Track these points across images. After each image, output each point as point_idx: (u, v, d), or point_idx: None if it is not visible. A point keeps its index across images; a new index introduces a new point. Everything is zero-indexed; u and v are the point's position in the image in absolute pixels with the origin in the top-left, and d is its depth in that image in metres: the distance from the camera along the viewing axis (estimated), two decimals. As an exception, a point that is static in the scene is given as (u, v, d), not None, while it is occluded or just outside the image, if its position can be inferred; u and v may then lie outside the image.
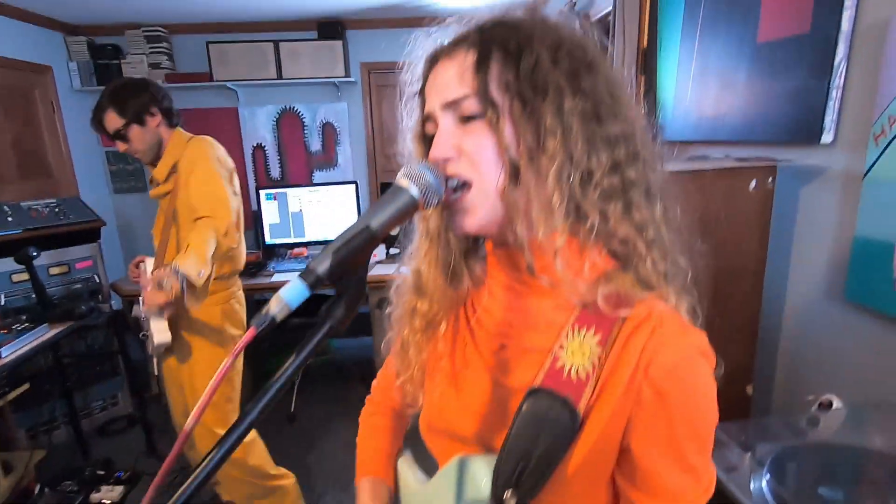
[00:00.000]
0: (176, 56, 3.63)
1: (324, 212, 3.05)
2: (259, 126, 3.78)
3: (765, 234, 1.20)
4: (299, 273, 0.41)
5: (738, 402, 1.31)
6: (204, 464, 0.38)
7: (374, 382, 0.77)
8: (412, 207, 0.46)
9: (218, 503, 1.91)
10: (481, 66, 0.47)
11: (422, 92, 0.54)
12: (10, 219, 2.32)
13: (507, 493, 0.45)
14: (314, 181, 3.88)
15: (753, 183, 1.16)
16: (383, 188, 3.75)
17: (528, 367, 0.49)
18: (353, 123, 3.84)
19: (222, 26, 3.56)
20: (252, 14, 3.37)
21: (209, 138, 1.71)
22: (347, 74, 3.59)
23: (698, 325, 0.48)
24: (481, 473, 0.48)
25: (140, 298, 1.63)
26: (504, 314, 0.54)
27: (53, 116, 3.33)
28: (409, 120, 0.58)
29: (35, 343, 1.86)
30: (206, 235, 1.52)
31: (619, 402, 0.44)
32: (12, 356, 1.72)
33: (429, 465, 0.58)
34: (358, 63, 3.74)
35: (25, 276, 2.23)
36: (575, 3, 2.57)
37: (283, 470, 1.92)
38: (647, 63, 1.91)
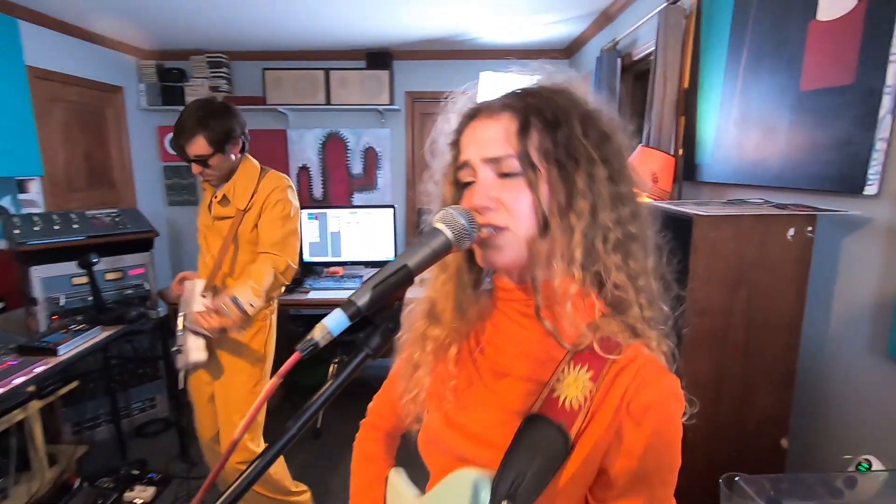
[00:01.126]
0: (234, 80, 3.87)
1: (361, 233, 3.14)
2: (306, 148, 3.96)
3: (802, 284, 1.18)
4: (341, 305, 0.45)
5: (772, 455, 1.26)
6: (245, 474, 0.43)
7: (371, 406, 0.81)
8: (447, 249, 0.50)
9: None
10: (523, 133, 0.53)
11: (456, 142, 0.60)
12: (75, 226, 2.50)
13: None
14: (353, 202, 4.01)
15: (791, 231, 1.15)
16: (420, 213, 3.84)
17: (527, 396, 0.55)
18: (395, 149, 3.97)
19: (278, 54, 3.79)
20: (306, 44, 3.58)
21: (285, 177, 1.81)
22: (392, 102, 3.74)
23: (674, 368, 0.55)
24: (481, 486, 0.52)
25: (182, 314, 1.72)
26: (508, 347, 0.60)
27: (121, 133, 3.60)
28: (435, 163, 0.65)
29: (89, 343, 1.98)
30: (266, 271, 1.63)
31: (605, 430, 0.52)
32: (68, 354, 1.84)
33: (421, 480, 0.62)
34: (403, 92, 3.88)
35: (84, 280, 2.40)
36: (617, 43, 2.61)
37: (301, 486, 1.94)
38: (688, 104, 1.91)
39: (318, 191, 4.03)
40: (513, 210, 0.54)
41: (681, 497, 1.27)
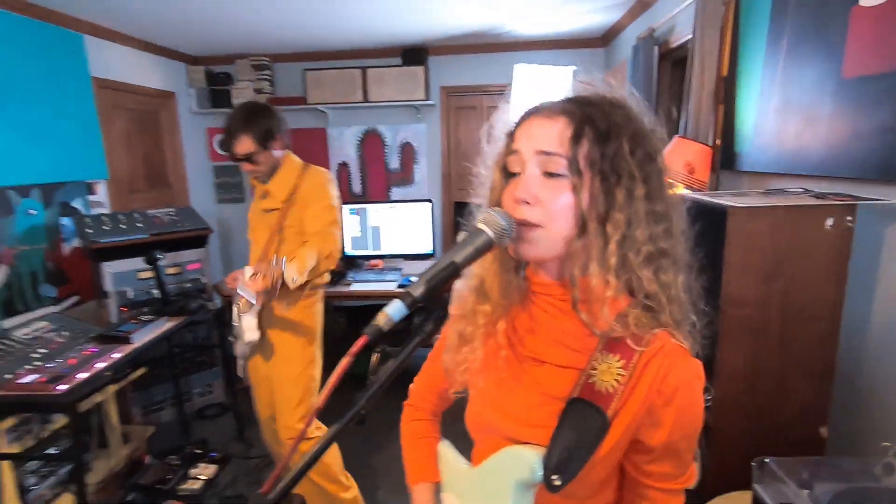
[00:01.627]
0: (276, 82, 4.04)
1: (400, 227, 3.24)
2: (345, 145, 4.09)
3: (842, 275, 1.17)
4: (399, 296, 0.53)
5: (810, 443, 1.27)
6: (314, 449, 0.51)
7: (412, 388, 0.89)
8: (488, 247, 0.57)
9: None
10: (576, 139, 0.58)
11: (511, 133, 0.65)
12: (139, 225, 2.72)
13: (555, 477, 0.56)
14: (391, 197, 4.12)
15: (830, 221, 1.15)
16: (457, 207, 3.91)
17: (564, 381, 0.61)
18: (431, 143, 4.05)
19: (317, 55, 3.92)
20: (343, 43, 3.69)
21: (326, 171, 1.93)
22: (427, 98, 3.81)
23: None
24: (532, 460, 0.59)
25: (236, 304, 1.86)
26: (544, 336, 0.65)
27: (174, 136, 3.83)
28: (489, 148, 0.69)
29: (157, 333, 2.17)
30: (311, 253, 1.75)
31: (637, 409, 0.59)
32: (140, 342, 2.02)
33: (467, 453, 0.70)
34: (438, 87, 3.94)
35: (149, 274, 2.60)
36: (654, 31, 2.58)
37: (350, 480, 2.02)
38: (727, 92, 1.89)
39: (357, 186, 4.17)
40: (550, 209, 0.58)
41: (718, 483, 1.30)
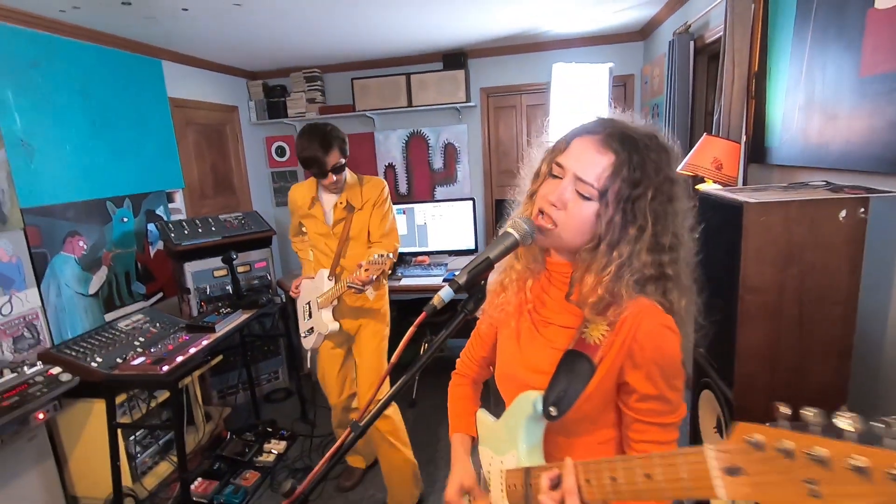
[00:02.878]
0: (327, 91, 4.32)
1: (445, 225, 3.44)
2: (391, 148, 4.33)
3: (857, 262, 1.26)
4: (448, 283, 0.71)
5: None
6: (385, 396, 0.70)
7: (458, 361, 1.10)
8: (515, 246, 0.75)
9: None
10: (613, 178, 0.73)
11: (567, 140, 0.79)
12: (213, 228, 3.05)
13: (552, 409, 0.73)
14: (436, 196, 4.32)
15: (843, 213, 1.24)
16: (497, 205, 4.06)
17: (565, 337, 0.79)
18: (472, 143, 4.22)
19: (364, 63, 4.17)
20: (388, 51, 3.91)
21: (382, 180, 2.19)
22: (468, 99, 3.97)
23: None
24: (536, 398, 0.76)
25: (307, 302, 2.13)
26: (554, 305, 0.84)
27: (238, 146, 4.19)
28: (536, 157, 0.85)
29: (234, 324, 2.47)
30: (383, 251, 1.96)
31: (617, 355, 0.74)
32: (222, 332, 2.33)
33: (499, 413, 0.88)
34: (478, 88, 4.10)
35: (223, 273, 2.93)
36: (689, 26, 2.64)
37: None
38: (758, 87, 1.96)
39: (403, 187, 4.40)
40: (571, 219, 0.75)
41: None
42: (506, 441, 0.82)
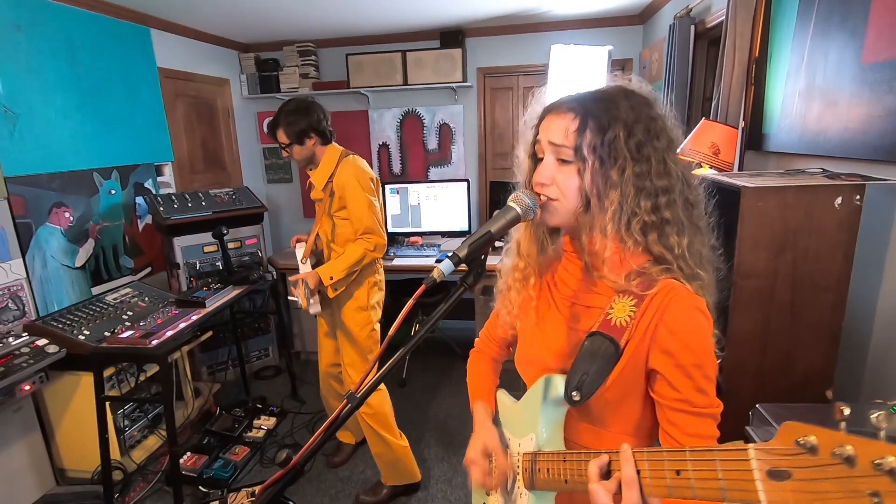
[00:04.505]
0: (321, 67, 4.23)
1: (438, 206, 3.42)
2: (385, 127, 4.27)
3: (850, 249, 1.27)
4: (448, 255, 0.70)
5: (816, 406, 1.39)
6: (380, 373, 0.69)
7: (477, 340, 1.09)
8: (517, 220, 0.74)
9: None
10: (580, 132, 0.72)
11: (536, 126, 0.80)
12: (203, 203, 3.00)
13: (574, 393, 0.71)
14: (430, 177, 4.29)
15: (839, 199, 1.24)
16: (492, 186, 4.04)
17: (589, 318, 0.77)
18: (468, 124, 4.17)
19: (359, 39, 4.08)
20: (384, 27, 3.82)
21: (356, 160, 2.10)
22: (465, 79, 3.91)
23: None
24: (558, 382, 0.75)
25: (293, 285, 2.13)
26: (575, 284, 0.82)
27: (229, 120, 4.10)
28: (524, 136, 0.85)
29: (225, 300, 2.45)
30: (358, 253, 2.00)
31: (644, 338, 0.70)
32: (213, 307, 2.30)
33: (519, 394, 0.85)
34: (475, 68, 4.04)
35: (213, 248, 2.89)
36: (690, 10, 2.61)
37: (403, 436, 2.24)
38: (758, 74, 1.94)
39: (396, 166, 4.35)
40: (563, 188, 0.74)
41: (726, 436, 1.44)
42: (525, 423, 0.81)
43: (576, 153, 0.72)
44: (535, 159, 0.79)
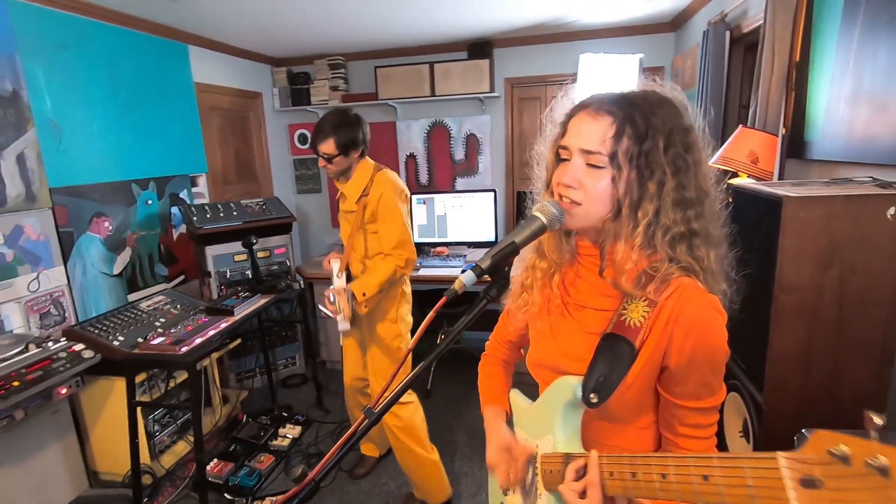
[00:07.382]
0: (350, 79, 4.31)
1: (465, 216, 3.40)
2: (413, 137, 4.30)
3: (904, 262, 1.18)
4: (471, 266, 0.67)
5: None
6: (399, 385, 0.67)
7: (488, 343, 1.08)
8: (542, 231, 0.71)
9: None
10: (617, 138, 0.69)
11: (564, 123, 0.77)
12: (234, 213, 3.07)
13: (592, 395, 0.69)
14: (456, 187, 4.28)
15: (892, 210, 1.16)
16: (519, 196, 4.00)
17: (602, 321, 0.74)
18: (495, 134, 4.16)
19: (388, 52, 4.13)
20: (412, 39, 3.86)
21: (391, 174, 2.09)
22: (492, 90, 3.91)
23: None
24: (574, 384, 0.72)
25: (322, 304, 2.13)
26: (587, 288, 0.79)
27: (261, 132, 4.21)
28: (548, 132, 0.82)
29: (253, 308, 2.48)
30: (389, 270, 1.98)
31: (660, 339, 0.69)
32: (241, 315, 2.34)
33: (532, 396, 0.85)
34: (502, 79, 4.03)
35: (243, 257, 2.94)
36: (726, 16, 2.53)
37: (434, 450, 2.21)
38: (799, 79, 1.86)
39: (423, 177, 4.37)
40: (590, 193, 0.71)
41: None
42: (542, 425, 0.79)
43: (611, 160, 0.69)
44: (559, 158, 0.76)
